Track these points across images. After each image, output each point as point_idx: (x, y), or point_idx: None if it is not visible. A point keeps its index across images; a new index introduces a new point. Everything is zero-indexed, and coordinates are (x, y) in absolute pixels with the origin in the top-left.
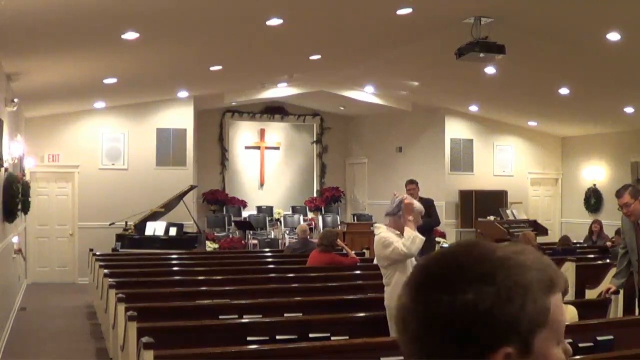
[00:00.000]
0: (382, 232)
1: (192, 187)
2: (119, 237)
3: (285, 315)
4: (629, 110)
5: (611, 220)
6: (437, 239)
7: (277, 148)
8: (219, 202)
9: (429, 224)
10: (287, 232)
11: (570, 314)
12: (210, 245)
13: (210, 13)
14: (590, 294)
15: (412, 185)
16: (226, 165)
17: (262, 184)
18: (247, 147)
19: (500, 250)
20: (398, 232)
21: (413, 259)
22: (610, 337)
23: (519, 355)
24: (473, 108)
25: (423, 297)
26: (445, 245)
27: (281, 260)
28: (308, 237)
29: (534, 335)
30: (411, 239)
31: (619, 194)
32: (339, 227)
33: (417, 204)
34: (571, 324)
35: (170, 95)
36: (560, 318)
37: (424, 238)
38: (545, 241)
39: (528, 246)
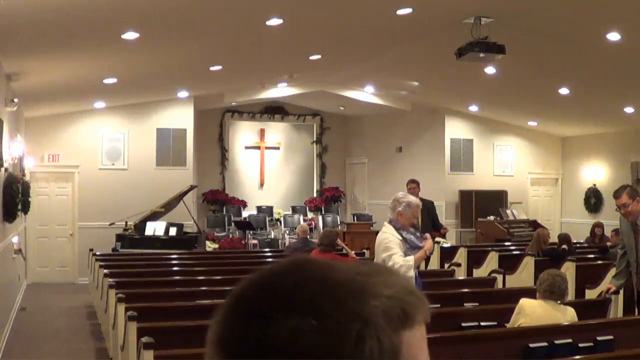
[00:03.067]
0: (387, 232)
1: (192, 187)
2: (119, 237)
3: None
4: (629, 110)
5: (611, 221)
6: (437, 239)
7: (277, 148)
8: (219, 202)
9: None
10: (287, 232)
11: (569, 314)
12: (210, 245)
13: (210, 13)
14: (590, 294)
15: (412, 185)
16: (226, 165)
17: (262, 184)
18: (247, 147)
19: (338, 271)
20: (401, 238)
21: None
22: (610, 337)
23: None
24: (473, 108)
25: (222, 326)
26: (446, 245)
27: None
28: (308, 237)
29: None
30: (406, 266)
31: (617, 194)
32: (339, 227)
33: (416, 200)
34: (571, 324)
35: (170, 95)
36: (420, 358)
37: (411, 275)
38: None
39: (383, 266)
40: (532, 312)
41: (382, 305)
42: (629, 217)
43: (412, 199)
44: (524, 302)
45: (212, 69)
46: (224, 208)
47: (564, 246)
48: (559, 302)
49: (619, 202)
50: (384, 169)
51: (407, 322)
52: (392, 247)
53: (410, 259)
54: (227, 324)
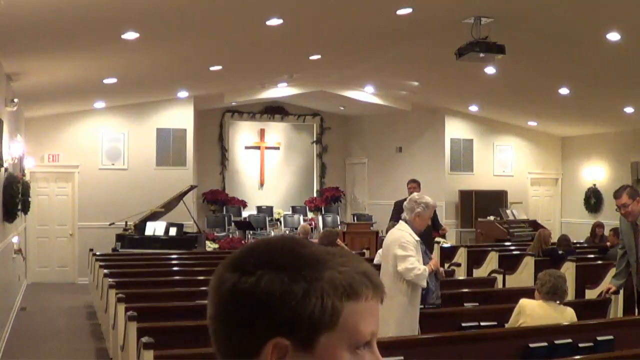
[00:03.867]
0: (404, 231)
1: (192, 187)
2: (119, 237)
3: None
4: (629, 110)
5: (611, 221)
6: (437, 239)
7: (277, 148)
8: (219, 202)
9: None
10: (287, 232)
11: (568, 315)
12: (210, 245)
13: (210, 13)
14: (590, 294)
15: (413, 184)
16: (226, 165)
17: (262, 184)
18: (247, 147)
19: (311, 248)
20: (418, 239)
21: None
22: (610, 337)
23: (297, 349)
24: (473, 108)
25: (216, 276)
26: (446, 245)
27: None
28: (308, 237)
29: (316, 334)
30: (423, 275)
31: (617, 194)
32: (339, 227)
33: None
34: (571, 324)
35: (170, 95)
36: (362, 328)
37: (424, 285)
38: None
39: (348, 252)
40: (532, 312)
41: (332, 276)
42: (629, 217)
43: (429, 199)
44: (524, 302)
45: (212, 69)
46: (224, 208)
47: (561, 252)
48: (558, 302)
49: (619, 202)
50: (384, 169)
51: (351, 295)
52: (409, 249)
53: (424, 270)
54: (218, 275)
